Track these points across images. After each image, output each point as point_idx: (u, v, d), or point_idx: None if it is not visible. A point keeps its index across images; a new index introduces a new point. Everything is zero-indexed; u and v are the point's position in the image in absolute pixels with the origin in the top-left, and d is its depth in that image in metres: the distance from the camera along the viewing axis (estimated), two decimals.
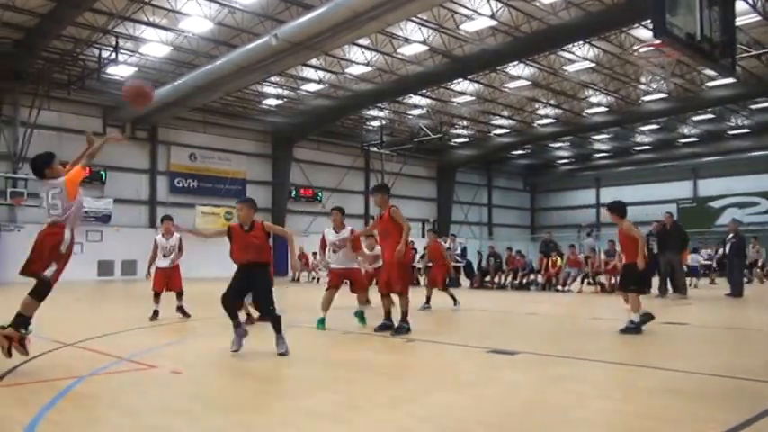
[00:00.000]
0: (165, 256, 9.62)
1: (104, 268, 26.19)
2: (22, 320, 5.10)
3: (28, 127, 23.65)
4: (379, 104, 29.13)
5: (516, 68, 24.95)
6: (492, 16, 19.52)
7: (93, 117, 26.58)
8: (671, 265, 14.20)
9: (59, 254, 5.29)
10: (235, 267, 6.24)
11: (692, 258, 20.80)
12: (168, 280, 9.58)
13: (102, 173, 26.37)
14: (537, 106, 30.70)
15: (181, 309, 9.68)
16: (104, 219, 26.19)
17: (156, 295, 9.51)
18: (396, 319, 7.69)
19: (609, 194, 43.95)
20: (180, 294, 9.73)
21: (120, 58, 20.74)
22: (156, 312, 9.43)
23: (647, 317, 7.59)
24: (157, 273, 9.63)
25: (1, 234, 23.76)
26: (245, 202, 6.48)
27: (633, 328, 7.44)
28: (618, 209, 7.89)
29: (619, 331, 7.50)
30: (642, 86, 27.27)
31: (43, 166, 5.51)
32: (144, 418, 3.85)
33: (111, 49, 20.21)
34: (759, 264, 23.12)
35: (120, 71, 23.41)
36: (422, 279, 22.16)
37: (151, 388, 4.72)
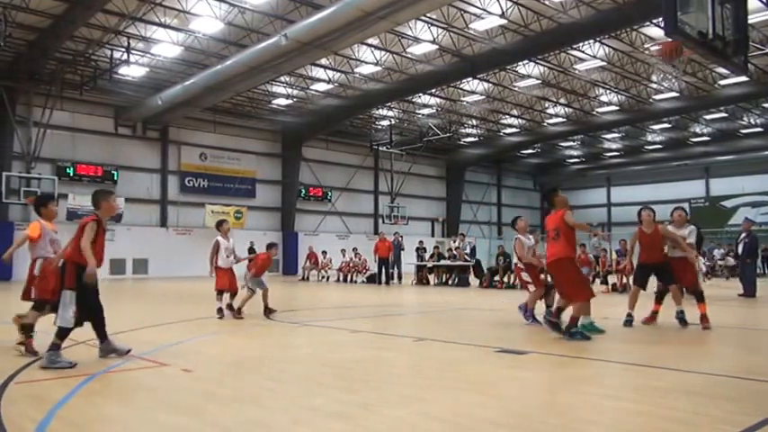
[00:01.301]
0: (227, 257, 9.60)
1: (116, 267, 26.41)
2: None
3: (41, 127, 23.89)
4: (388, 104, 29.14)
5: (526, 67, 24.86)
6: (502, 15, 19.46)
7: (105, 117, 26.84)
8: None
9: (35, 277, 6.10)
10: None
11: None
12: (230, 280, 9.57)
13: (114, 172, 26.60)
14: (547, 105, 30.57)
15: (231, 307, 9.59)
16: (116, 218, 26.40)
17: (220, 293, 9.49)
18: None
19: (620, 194, 43.81)
20: (234, 294, 9.71)
21: (132, 58, 20.89)
22: (220, 310, 9.44)
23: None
24: (220, 272, 9.54)
25: (15, 233, 24.04)
26: (112, 192, 5.87)
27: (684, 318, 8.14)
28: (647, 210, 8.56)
29: (682, 326, 8.07)
30: (653, 85, 27.08)
31: (39, 206, 5.94)
32: (155, 415, 3.88)
33: (123, 49, 20.37)
34: None
35: (132, 71, 23.60)
36: (432, 278, 22.19)
37: (162, 386, 4.75)
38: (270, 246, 9.86)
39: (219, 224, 10.01)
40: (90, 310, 5.50)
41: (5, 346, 6.42)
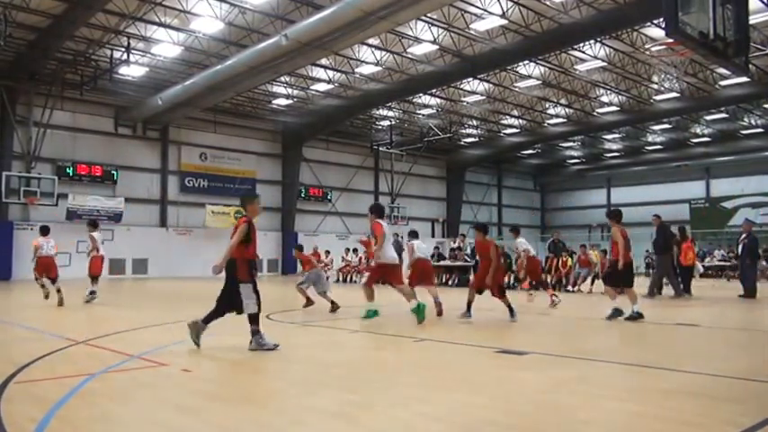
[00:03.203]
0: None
1: (116, 267, 26.40)
2: None
3: (41, 127, 23.89)
4: (388, 104, 29.13)
5: (527, 68, 24.85)
6: (502, 15, 19.45)
7: (105, 117, 26.84)
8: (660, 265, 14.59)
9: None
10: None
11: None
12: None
13: (114, 172, 26.59)
14: (547, 105, 30.56)
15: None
16: (116, 218, 26.40)
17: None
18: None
19: (620, 194, 43.79)
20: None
21: (132, 58, 20.91)
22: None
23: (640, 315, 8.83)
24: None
25: (14, 232, 24.02)
26: (258, 195, 6.69)
27: (636, 316, 8.69)
28: (616, 215, 9.54)
29: (624, 319, 8.74)
30: (654, 85, 27.08)
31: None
32: (155, 415, 3.87)
33: (123, 49, 20.38)
34: None
35: (132, 71, 23.60)
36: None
37: (162, 386, 4.74)
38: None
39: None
40: (229, 301, 6.09)
41: (6, 345, 6.43)
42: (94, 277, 11.95)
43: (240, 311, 6.02)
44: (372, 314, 8.64)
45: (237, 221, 6.24)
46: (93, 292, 11.78)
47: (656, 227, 14.79)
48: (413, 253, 10.03)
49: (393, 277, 8.65)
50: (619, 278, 9.04)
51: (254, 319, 6.01)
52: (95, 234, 11.95)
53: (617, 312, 8.91)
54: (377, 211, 9.04)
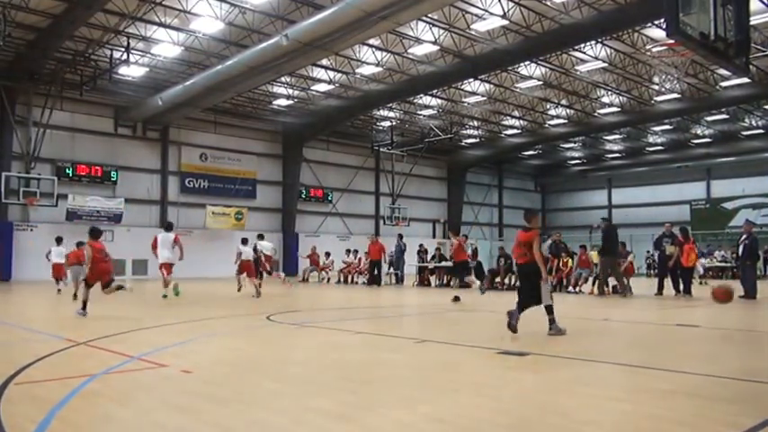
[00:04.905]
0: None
1: (115, 267, 26.24)
2: None
3: (41, 127, 23.87)
4: (389, 105, 29.13)
5: (528, 68, 24.85)
6: (503, 16, 19.46)
7: (104, 117, 26.83)
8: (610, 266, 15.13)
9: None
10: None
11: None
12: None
13: (114, 173, 26.57)
14: (548, 106, 30.56)
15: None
16: (116, 218, 26.39)
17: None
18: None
19: (621, 195, 43.82)
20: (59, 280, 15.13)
21: (132, 58, 20.89)
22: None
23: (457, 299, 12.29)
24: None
25: (14, 233, 24.01)
26: (539, 210, 7.72)
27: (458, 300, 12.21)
28: (453, 229, 13.17)
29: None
30: (655, 86, 27.07)
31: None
32: (155, 416, 3.86)
33: (123, 49, 20.37)
34: None
35: (132, 71, 23.59)
36: (433, 279, 22.23)
37: (162, 387, 4.73)
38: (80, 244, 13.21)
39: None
40: (529, 297, 7.34)
41: (6, 346, 6.42)
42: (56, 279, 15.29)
43: (539, 303, 7.25)
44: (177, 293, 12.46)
45: (530, 233, 7.38)
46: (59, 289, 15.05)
47: (602, 229, 15.53)
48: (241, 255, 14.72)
49: (165, 270, 13.40)
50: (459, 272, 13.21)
51: (550, 310, 7.19)
52: (53, 247, 15.56)
53: (457, 298, 12.18)
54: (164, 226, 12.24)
